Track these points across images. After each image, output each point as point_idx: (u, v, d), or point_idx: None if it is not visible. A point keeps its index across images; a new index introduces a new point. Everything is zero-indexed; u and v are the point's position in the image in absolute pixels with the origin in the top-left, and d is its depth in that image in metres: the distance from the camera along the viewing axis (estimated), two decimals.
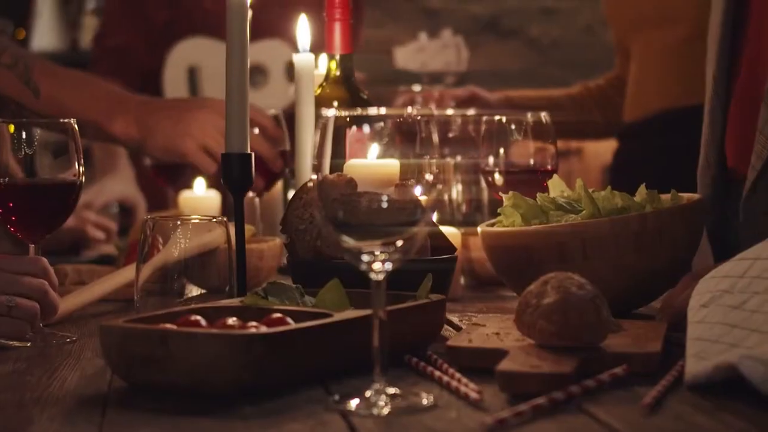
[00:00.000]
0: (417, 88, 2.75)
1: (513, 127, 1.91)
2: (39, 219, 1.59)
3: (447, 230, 1.74)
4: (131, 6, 3.30)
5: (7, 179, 1.56)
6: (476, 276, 2.02)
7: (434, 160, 1.16)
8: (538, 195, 1.63)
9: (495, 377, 1.17)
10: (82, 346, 1.48)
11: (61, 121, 1.58)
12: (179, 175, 3.02)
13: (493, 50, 5.07)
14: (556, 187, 1.68)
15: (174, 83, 3.37)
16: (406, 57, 3.59)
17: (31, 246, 1.59)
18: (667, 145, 2.66)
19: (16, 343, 1.48)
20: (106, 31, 3.40)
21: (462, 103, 2.68)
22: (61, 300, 1.63)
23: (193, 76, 3.35)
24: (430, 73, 3.61)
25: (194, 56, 3.18)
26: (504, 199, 1.65)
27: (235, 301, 1.38)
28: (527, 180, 1.90)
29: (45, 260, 1.51)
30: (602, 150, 4.21)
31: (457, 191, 2.24)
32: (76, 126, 1.58)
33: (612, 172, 3.01)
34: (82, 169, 1.58)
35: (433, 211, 1.14)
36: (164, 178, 3.12)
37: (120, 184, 3.14)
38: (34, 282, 1.48)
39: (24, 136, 1.56)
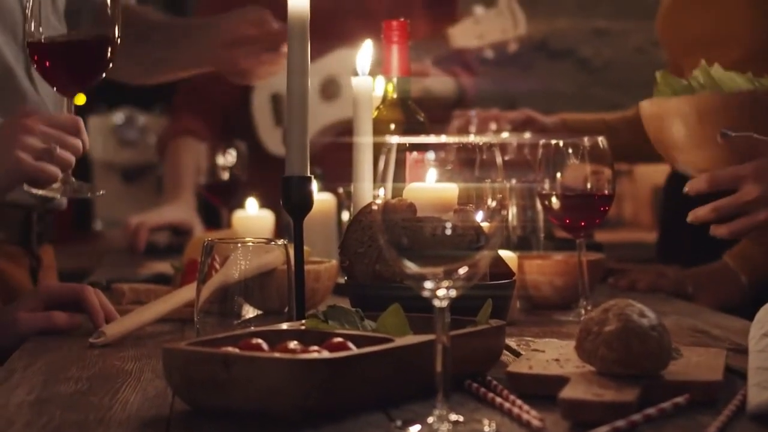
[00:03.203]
0: (472, 112, 2.74)
1: (570, 151, 1.91)
2: (75, 74, 1.71)
3: (503, 254, 1.74)
4: None
5: (43, 37, 1.68)
6: (531, 299, 2.02)
7: (497, 185, 1.16)
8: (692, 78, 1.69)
9: (557, 405, 1.16)
10: (142, 367, 1.49)
11: None
12: (233, 194, 3.05)
13: (543, 71, 5.06)
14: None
15: (261, 111, 3.42)
16: (462, 34, 3.51)
17: (65, 99, 1.71)
18: None
19: (44, 193, 1.65)
20: None
21: (518, 127, 2.68)
22: (120, 319, 1.66)
23: (276, 103, 3.39)
24: (491, 45, 3.54)
25: (276, 84, 3.21)
26: (658, 77, 1.73)
27: (296, 325, 1.38)
28: (584, 204, 1.90)
29: (80, 120, 1.65)
30: (652, 171, 4.19)
31: (512, 214, 2.24)
32: None
33: (665, 194, 2.99)
34: (118, 30, 1.70)
35: (497, 238, 1.13)
36: (218, 198, 3.15)
37: (178, 211, 3.18)
38: (71, 141, 1.63)
39: None
